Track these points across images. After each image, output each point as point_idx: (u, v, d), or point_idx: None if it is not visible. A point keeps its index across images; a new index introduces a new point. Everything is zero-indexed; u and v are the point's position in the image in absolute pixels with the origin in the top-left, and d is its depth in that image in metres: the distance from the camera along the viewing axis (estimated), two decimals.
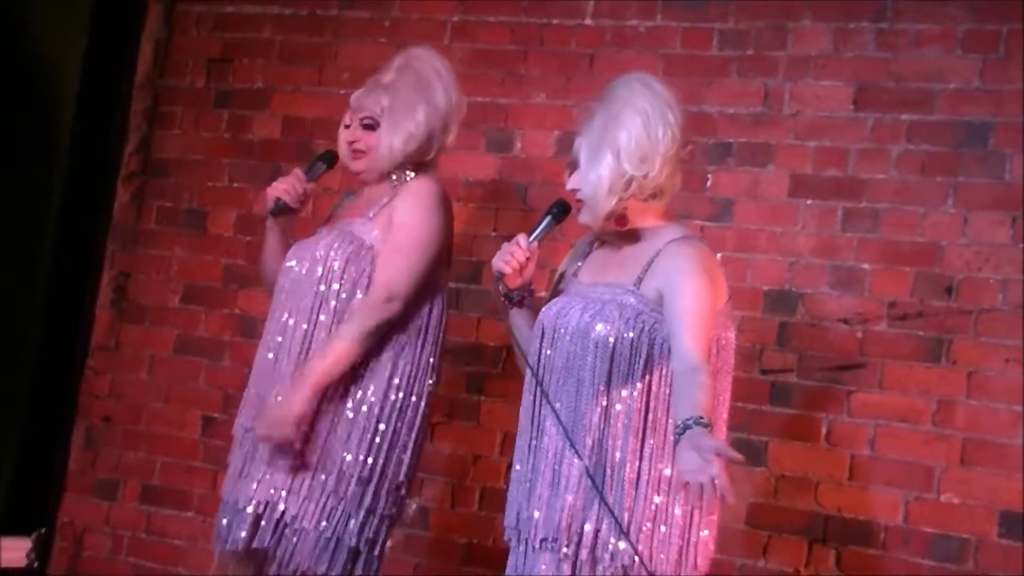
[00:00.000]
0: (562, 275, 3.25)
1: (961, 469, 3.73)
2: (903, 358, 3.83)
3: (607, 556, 2.95)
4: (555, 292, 3.21)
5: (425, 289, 3.44)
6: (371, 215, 3.48)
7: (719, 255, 3.68)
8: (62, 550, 4.82)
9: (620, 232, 3.13)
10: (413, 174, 3.51)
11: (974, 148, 3.83)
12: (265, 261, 3.64)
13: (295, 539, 3.35)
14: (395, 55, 3.62)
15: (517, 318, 3.20)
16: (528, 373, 3.11)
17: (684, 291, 2.98)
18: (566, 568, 2.98)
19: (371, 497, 3.38)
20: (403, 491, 3.45)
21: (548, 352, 3.06)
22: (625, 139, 3.06)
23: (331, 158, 3.60)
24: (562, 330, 3.04)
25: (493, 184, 4.43)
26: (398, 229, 3.43)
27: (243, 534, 3.37)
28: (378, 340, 3.39)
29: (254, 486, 3.37)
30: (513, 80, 4.45)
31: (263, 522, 3.37)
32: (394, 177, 3.51)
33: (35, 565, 3.78)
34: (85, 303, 4.89)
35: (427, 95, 3.51)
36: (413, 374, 3.44)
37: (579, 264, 3.23)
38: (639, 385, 2.98)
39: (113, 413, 4.87)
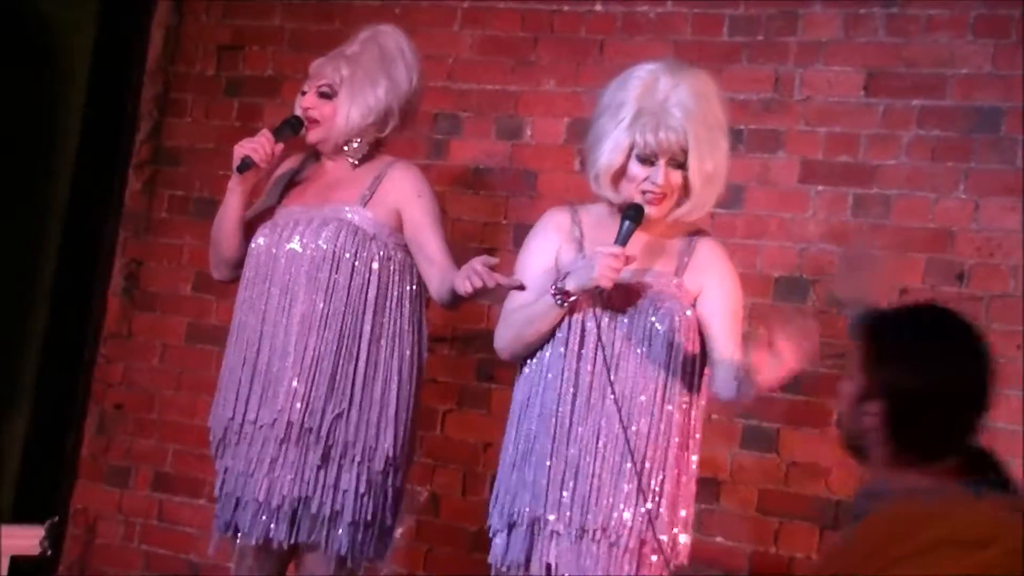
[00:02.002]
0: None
1: None
2: None
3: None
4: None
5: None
6: (363, 202, 3.47)
7: (730, 242, 3.68)
8: (75, 537, 4.84)
9: (652, 230, 3.12)
10: (364, 147, 3.52)
11: (985, 134, 3.81)
12: (225, 219, 3.55)
13: (337, 531, 3.37)
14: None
15: (552, 317, 3.09)
16: (564, 360, 3.07)
17: (728, 295, 3.09)
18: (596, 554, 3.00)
19: (400, 476, 3.45)
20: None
21: (606, 335, 3.05)
22: (726, 122, 3.09)
23: (298, 123, 3.55)
24: (617, 313, 3.05)
25: (503, 171, 4.43)
26: (427, 231, 3.46)
27: (274, 528, 3.37)
28: (388, 324, 3.41)
29: (286, 480, 3.37)
30: (523, 67, 4.44)
31: (300, 518, 3.37)
32: (349, 153, 3.51)
33: (48, 552, 3.79)
34: (97, 291, 4.90)
35: (389, 71, 3.49)
36: (418, 352, 3.49)
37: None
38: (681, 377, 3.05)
39: (125, 400, 4.88)
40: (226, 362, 3.50)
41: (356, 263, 3.41)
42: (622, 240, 3.00)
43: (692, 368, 3.06)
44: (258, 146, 3.46)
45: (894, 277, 3.86)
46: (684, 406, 3.05)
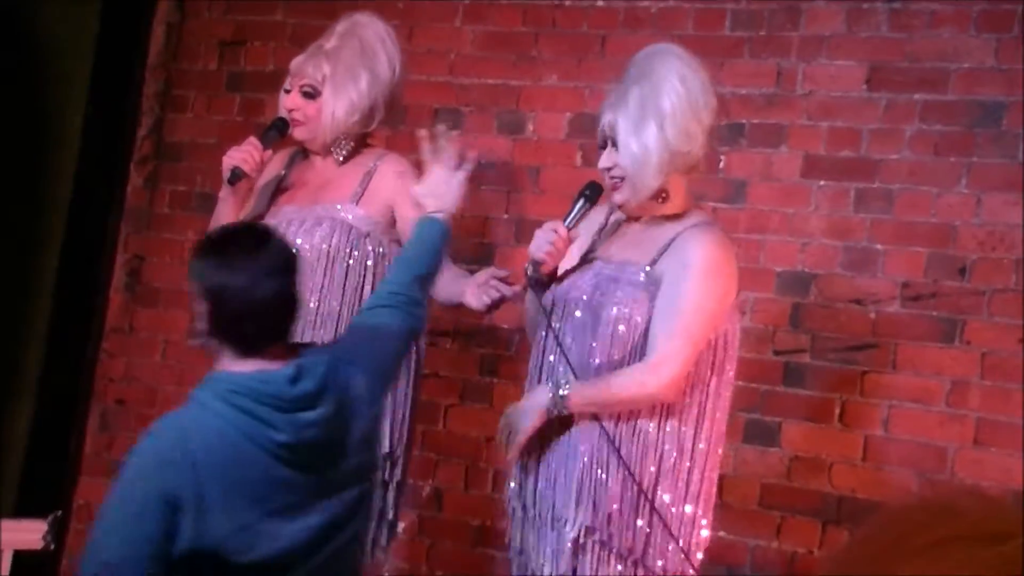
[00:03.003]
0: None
1: (974, 450, 3.72)
2: (916, 339, 3.82)
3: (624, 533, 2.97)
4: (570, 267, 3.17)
5: None
6: (355, 199, 3.46)
7: (732, 236, 3.67)
8: (78, 532, 4.84)
9: (647, 211, 3.09)
10: (350, 143, 3.49)
11: (988, 128, 3.81)
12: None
13: None
14: (403, 34, 3.61)
15: (536, 302, 3.14)
16: (536, 351, 3.10)
17: (682, 287, 2.95)
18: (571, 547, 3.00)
19: (400, 470, 3.46)
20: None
21: (557, 325, 3.04)
22: (669, 108, 2.97)
23: (283, 125, 3.52)
24: (573, 305, 3.03)
25: (505, 166, 4.43)
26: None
27: None
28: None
29: None
30: (525, 62, 4.44)
31: None
32: (335, 150, 3.48)
33: (51, 547, 3.78)
34: (99, 286, 4.91)
35: (370, 64, 3.45)
36: (415, 347, 3.48)
37: (596, 238, 3.19)
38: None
39: (127, 396, 4.88)
40: None
41: (351, 261, 3.40)
42: (570, 219, 3.07)
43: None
44: (247, 155, 3.41)
45: (897, 271, 3.86)
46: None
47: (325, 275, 3.38)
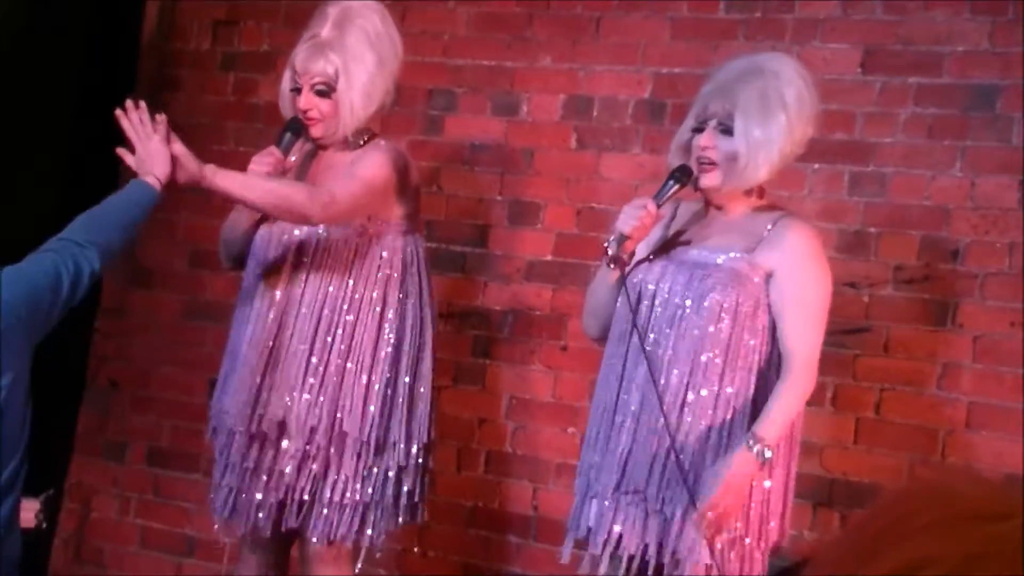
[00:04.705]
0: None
1: (966, 433, 3.73)
2: (909, 322, 3.83)
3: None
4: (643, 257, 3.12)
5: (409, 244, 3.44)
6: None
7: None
8: (70, 511, 4.85)
9: (733, 201, 3.06)
10: (366, 137, 3.43)
11: (982, 111, 3.81)
12: (235, 232, 3.51)
13: (323, 512, 3.38)
14: (397, 15, 3.57)
15: (609, 282, 3.10)
16: (618, 332, 3.07)
17: (801, 280, 2.99)
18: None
19: (385, 457, 3.42)
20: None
21: (655, 313, 3.01)
22: (795, 103, 2.97)
23: (300, 127, 3.39)
24: (667, 294, 3.00)
25: (499, 148, 4.42)
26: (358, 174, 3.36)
27: (286, 519, 3.38)
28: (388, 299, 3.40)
29: (291, 475, 3.37)
30: (519, 43, 4.43)
31: (308, 508, 3.37)
32: (352, 141, 3.41)
33: (44, 526, 3.80)
34: None
35: (377, 49, 3.36)
36: (420, 328, 3.45)
37: (666, 227, 3.15)
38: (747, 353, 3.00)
39: (121, 376, 4.88)
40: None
41: (356, 257, 3.39)
42: (658, 195, 3.01)
43: (748, 345, 2.99)
44: (270, 167, 3.32)
45: (890, 255, 3.86)
46: (732, 388, 2.98)
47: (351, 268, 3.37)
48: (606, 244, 3.03)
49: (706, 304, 2.96)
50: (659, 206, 3.02)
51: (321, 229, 3.37)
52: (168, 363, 4.81)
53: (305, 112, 3.36)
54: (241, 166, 4.76)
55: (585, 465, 3.11)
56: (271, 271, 3.43)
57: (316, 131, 3.39)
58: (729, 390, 2.97)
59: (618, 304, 3.09)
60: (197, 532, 4.61)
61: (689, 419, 2.96)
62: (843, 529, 0.88)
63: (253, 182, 3.25)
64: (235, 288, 4.70)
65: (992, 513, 0.81)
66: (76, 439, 4.89)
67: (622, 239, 2.99)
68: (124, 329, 4.90)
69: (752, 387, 2.98)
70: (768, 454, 2.91)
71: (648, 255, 3.10)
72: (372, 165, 3.35)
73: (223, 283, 4.76)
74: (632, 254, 3.07)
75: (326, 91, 3.34)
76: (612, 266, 3.03)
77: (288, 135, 3.39)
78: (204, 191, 3.36)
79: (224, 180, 3.21)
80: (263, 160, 3.34)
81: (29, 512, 3.63)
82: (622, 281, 3.03)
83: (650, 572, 3.00)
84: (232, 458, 3.44)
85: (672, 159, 3.11)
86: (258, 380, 3.37)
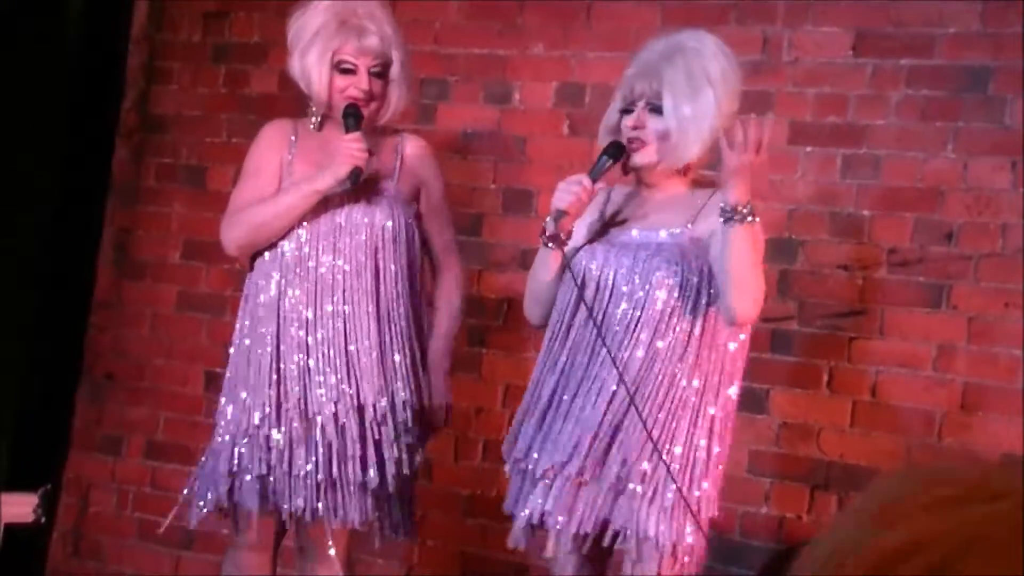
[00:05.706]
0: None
1: (962, 414, 3.74)
2: (904, 304, 3.83)
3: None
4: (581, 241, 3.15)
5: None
6: (395, 177, 3.46)
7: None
8: (68, 506, 4.85)
9: (663, 180, 3.09)
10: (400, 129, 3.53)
11: (974, 93, 3.81)
12: (285, 220, 3.45)
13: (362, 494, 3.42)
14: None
15: (549, 263, 3.12)
16: (558, 316, 3.09)
17: None
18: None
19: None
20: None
21: (601, 296, 3.03)
22: (720, 78, 3.01)
23: (359, 113, 3.38)
24: (612, 277, 3.02)
25: (492, 136, 4.42)
26: (440, 203, 3.54)
27: (300, 502, 3.39)
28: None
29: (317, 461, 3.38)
30: (511, 31, 4.43)
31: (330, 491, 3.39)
32: (383, 124, 3.48)
33: (42, 520, 3.79)
34: (86, 260, 4.89)
35: (400, 38, 3.47)
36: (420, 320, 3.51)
37: (601, 212, 3.18)
38: (690, 326, 3.00)
39: (116, 369, 4.88)
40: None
41: (410, 247, 3.44)
42: (593, 171, 3.05)
43: (695, 321, 3.01)
44: (359, 161, 3.31)
45: (884, 237, 3.87)
46: (682, 364, 3.01)
47: (384, 258, 3.39)
48: (544, 224, 3.07)
49: (652, 282, 2.98)
50: (594, 181, 3.05)
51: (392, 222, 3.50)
52: (163, 355, 4.81)
53: (366, 93, 3.39)
54: (233, 157, 4.78)
55: (522, 447, 3.11)
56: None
57: (371, 113, 3.43)
58: (679, 366, 2.99)
59: (559, 290, 3.12)
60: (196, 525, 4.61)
61: (644, 394, 2.99)
62: (840, 512, 0.89)
63: None
64: (229, 281, 4.71)
65: (988, 493, 0.81)
66: (73, 433, 4.89)
67: (559, 215, 3.02)
68: (119, 322, 4.90)
69: (707, 362, 3.01)
70: (755, 218, 2.89)
71: (588, 240, 3.13)
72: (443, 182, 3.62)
73: (217, 275, 4.77)
74: (570, 233, 3.09)
75: (382, 72, 3.42)
76: (551, 245, 3.06)
77: (351, 121, 3.37)
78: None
79: None
80: (355, 154, 3.31)
81: (27, 507, 3.63)
82: (564, 264, 3.06)
83: (604, 544, 3.04)
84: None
85: (602, 141, 3.16)
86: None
